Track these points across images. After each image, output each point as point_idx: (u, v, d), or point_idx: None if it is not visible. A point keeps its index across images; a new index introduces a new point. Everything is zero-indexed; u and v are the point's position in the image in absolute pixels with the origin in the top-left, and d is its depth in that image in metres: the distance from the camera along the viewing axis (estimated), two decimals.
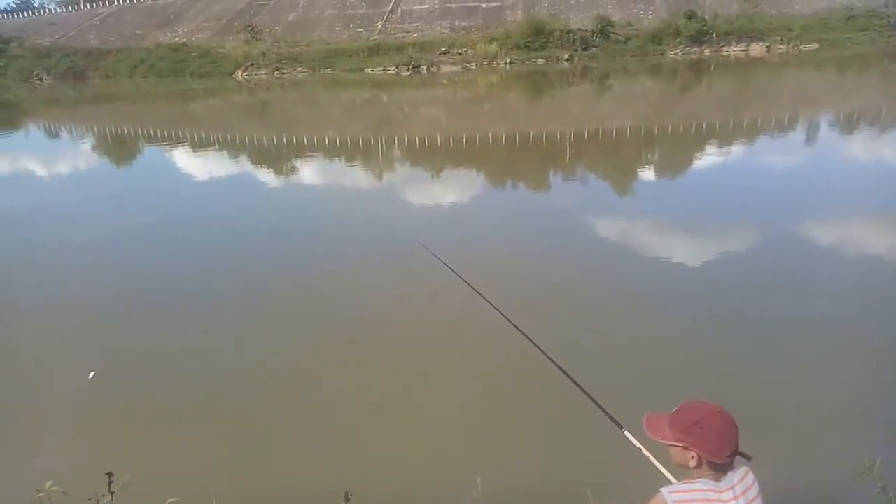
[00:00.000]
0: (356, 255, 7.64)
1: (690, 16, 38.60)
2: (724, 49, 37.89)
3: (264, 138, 19.63)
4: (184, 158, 16.64)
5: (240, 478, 3.80)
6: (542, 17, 42.43)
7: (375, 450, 3.96)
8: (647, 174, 12.58)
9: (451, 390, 4.61)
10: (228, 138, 20.30)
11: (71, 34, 61.08)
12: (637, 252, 7.46)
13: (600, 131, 17.43)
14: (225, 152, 17.61)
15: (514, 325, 2.77)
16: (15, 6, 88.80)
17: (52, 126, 26.70)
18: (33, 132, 25.28)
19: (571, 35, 40.30)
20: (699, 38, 38.09)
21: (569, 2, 46.81)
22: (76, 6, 71.06)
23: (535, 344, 2.61)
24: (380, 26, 49.84)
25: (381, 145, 17.33)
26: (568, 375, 2.38)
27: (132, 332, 5.88)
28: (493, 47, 40.46)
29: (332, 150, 16.69)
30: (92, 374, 4.79)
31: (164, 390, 4.84)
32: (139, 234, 9.21)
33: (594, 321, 5.61)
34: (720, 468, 1.71)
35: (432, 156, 15.27)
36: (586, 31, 40.84)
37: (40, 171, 15.80)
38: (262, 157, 16.58)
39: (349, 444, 4.01)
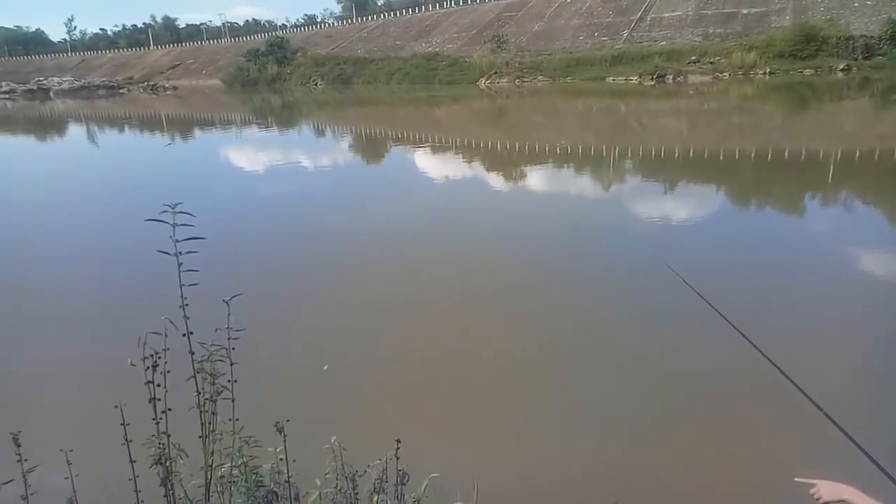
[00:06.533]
0: (593, 277, 7.04)
1: None
2: None
3: (497, 143, 20.17)
4: (422, 159, 17.76)
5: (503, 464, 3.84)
6: (815, 22, 37.73)
7: None
8: None
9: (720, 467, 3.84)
10: (465, 142, 21.27)
11: (343, 44, 69.32)
12: None
13: (876, 152, 14.85)
14: (460, 155, 18.45)
15: (804, 393, 1.70)
16: (303, 21, 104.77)
17: (320, 125, 30.46)
18: (305, 130, 29.05)
19: (851, 42, 35.28)
20: None
21: (851, 5, 40.98)
22: (349, 20, 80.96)
23: (827, 415, 1.60)
24: (625, 35, 48.49)
25: (614, 156, 16.74)
26: (875, 462, 1.42)
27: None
28: (752, 56, 36.96)
29: (561, 158, 16.52)
30: (326, 366, 5.08)
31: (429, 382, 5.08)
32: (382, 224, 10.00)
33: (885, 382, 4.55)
34: None
35: (667, 169, 14.31)
36: (871, 37, 35.43)
37: (307, 162, 18.01)
38: (493, 161, 17.00)
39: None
